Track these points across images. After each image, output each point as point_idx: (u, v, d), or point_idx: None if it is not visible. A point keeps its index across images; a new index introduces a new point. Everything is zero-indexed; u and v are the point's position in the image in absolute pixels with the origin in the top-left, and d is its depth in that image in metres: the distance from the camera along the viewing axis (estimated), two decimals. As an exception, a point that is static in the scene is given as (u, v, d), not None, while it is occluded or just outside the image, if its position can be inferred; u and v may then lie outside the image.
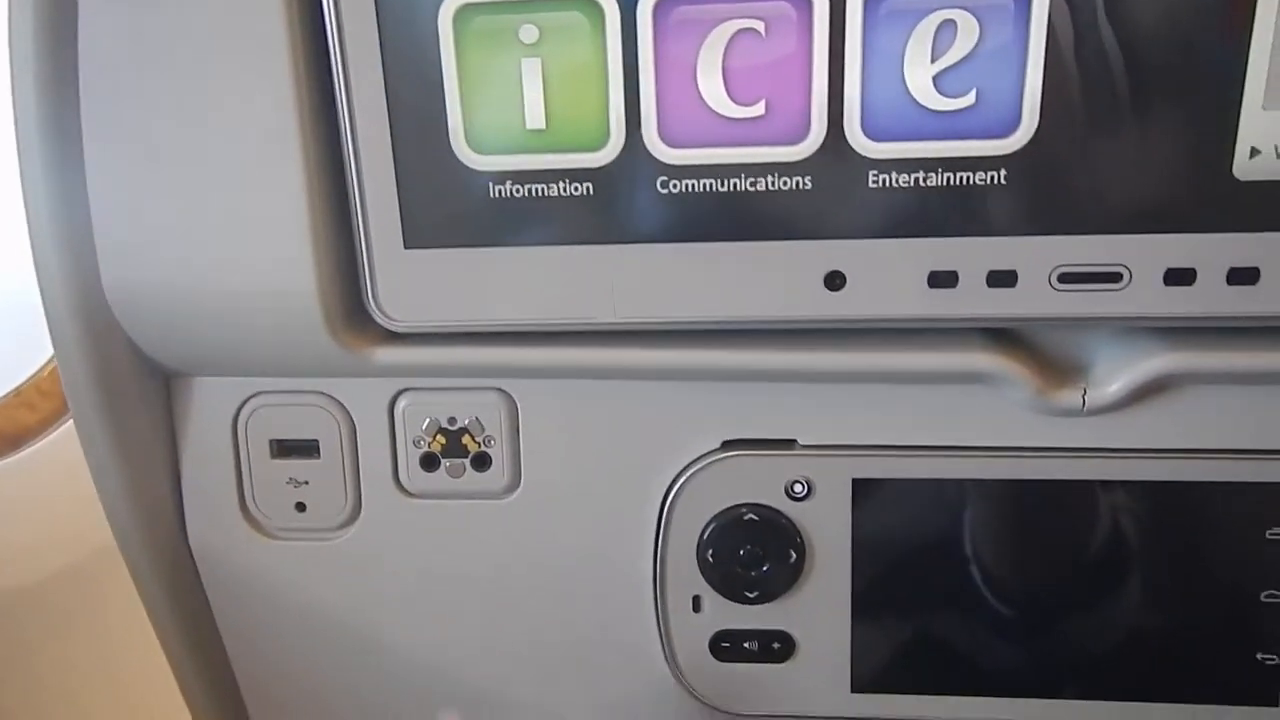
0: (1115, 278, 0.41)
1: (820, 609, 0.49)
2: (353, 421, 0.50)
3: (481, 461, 0.50)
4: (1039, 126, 0.40)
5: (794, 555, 0.48)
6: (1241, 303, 0.41)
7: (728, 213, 0.43)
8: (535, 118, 0.42)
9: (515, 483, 0.50)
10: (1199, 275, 0.41)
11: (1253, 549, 0.46)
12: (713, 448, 0.48)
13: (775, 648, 0.49)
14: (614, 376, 0.47)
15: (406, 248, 0.45)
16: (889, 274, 0.42)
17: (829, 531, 0.48)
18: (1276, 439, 0.45)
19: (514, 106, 0.42)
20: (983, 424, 0.46)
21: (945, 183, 0.41)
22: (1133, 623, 0.47)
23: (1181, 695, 0.48)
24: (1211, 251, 0.41)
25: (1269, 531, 0.46)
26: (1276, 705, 0.47)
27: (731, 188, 0.42)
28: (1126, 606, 0.47)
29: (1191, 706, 0.48)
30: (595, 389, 0.48)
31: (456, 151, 0.43)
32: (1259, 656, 0.47)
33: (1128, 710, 0.48)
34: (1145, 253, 0.41)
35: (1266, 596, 0.46)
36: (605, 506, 0.50)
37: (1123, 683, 0.48)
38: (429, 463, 0.50)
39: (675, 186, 0.43)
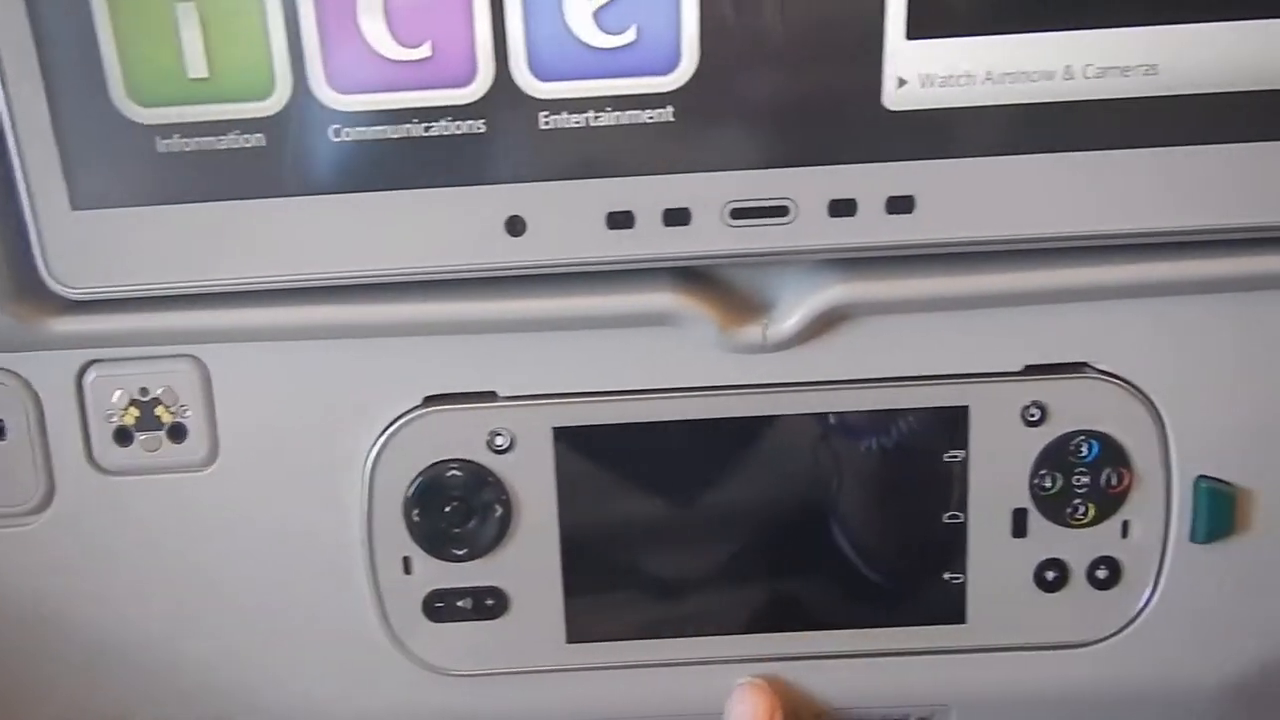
0: (783, 211, 0.40)
1: (530, 562, 0.46)
2: (39, 398, 0.45)
3: (178, 433, 0.45)
4: (700, 62, 0.38)
5: (500, 509, 0.45)
6: (901, 231, 0.41)
7: (404, 160, 0.40)
8: (197, 66, 0.39)
9: (214, 453, 0.46)
10: (860, 205, 0.40)
11: (933, 473, 0.46)
12: (415, 404, 0.45)
13: (489, 604, 0.47)
14: (305, 336, 0.44)
15: (74, 209, 0.41)
16: (568, 217, 0.41)
17: (533, 483, 0.45)
18: (946, 364, 0.45)
19: (173, 55, 0.38)
20: (675, 365, 0.44)
21: (615, 121, 0.39)
22: (827, 551, 0.47)
23: (878, 619, 0.48)
24: (869, 182, 0.40)
25: (946, 455, 0.45)
26: (965, 621, 0.47)
27: (406, 134, 0.40)
28: (821, 536, 0.47)
29: (888, 630, 0.47)
30: (289, 351, 0.44)
31: (118, 104, 0.39)
32: (946, 576, 0.47)
33: (830, 637, 0.48)
34: (808, 185, 0.40)
35: (949, 518, 0.46)
36: (308, 472, 0.46)
37: (823, 612, 0.48)
38: (122, 437, 0.46)
39: (349, 134, 0.40)
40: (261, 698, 0.49)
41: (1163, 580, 0.47)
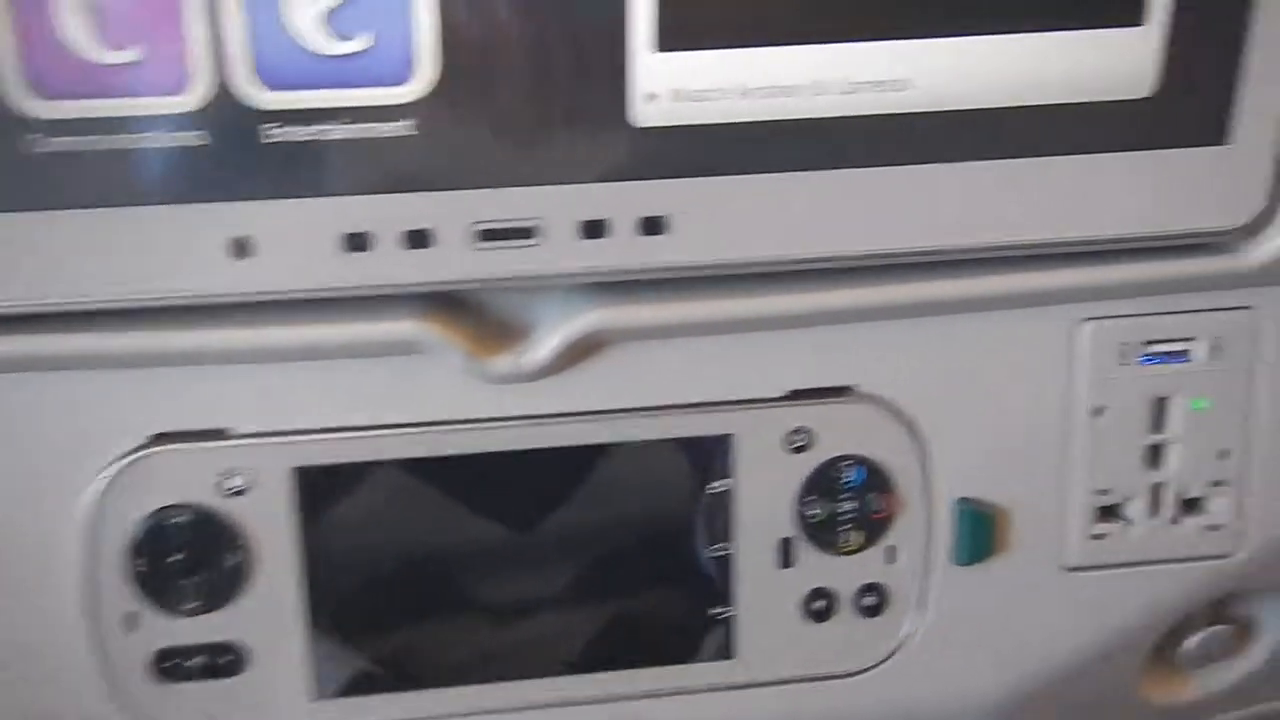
0: (531, 233, 0.38)
1: (270, 614, 0.42)
2: None
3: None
4: (441, 73, 0.35)
5: (235, 558, 0.41)
6: (656, 253, 0.39)
7: (114, 174, 0.36)
8: None
9: None
10: (611, 226, 0.38)
11: (699, 505, 0.44)
12: (139, 443, 0.40)
13: (224, 662, 0.42)
14: (10, 369, 0.38)
15: None
16: (298, 238, 0.37)
17: (272, 528, 0.41)
18: (710, 391, 0.43)
19: None
20: (425, 398, 0.41)
21: (348, 135, 0.36)
22: (593, 590, 0.44)
23: (646, 659, 0.45)
24: (620, 201, 0.38)
25: (712, 485, 0.44)
26: (733, 657, 0.45)
27: (115, 145, 0.36)
28: (586, 574, 0.44)
29: (654, 669, 0.45)
30: (7, 384, 0.39)
31: None
32: (713, 611, 0.45)
33: (599, 681, 0.45)
34: (558, 205, 0.38)
35: (715, 551, 0.44)
36: (26, 518, 0.41)
37: (590, 653, 0.45)
38: None
39: (51, 145, 0.35)
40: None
41: (929, 604, 0.46)
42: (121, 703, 0.42)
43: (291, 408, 0.41)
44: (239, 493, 0.41)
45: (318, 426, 0.41)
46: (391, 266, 0.38)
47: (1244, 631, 0.53)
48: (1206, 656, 0.52)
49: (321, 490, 0.41)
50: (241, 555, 0.41)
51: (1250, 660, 0.53)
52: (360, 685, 0.43)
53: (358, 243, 0.37)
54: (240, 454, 0.41)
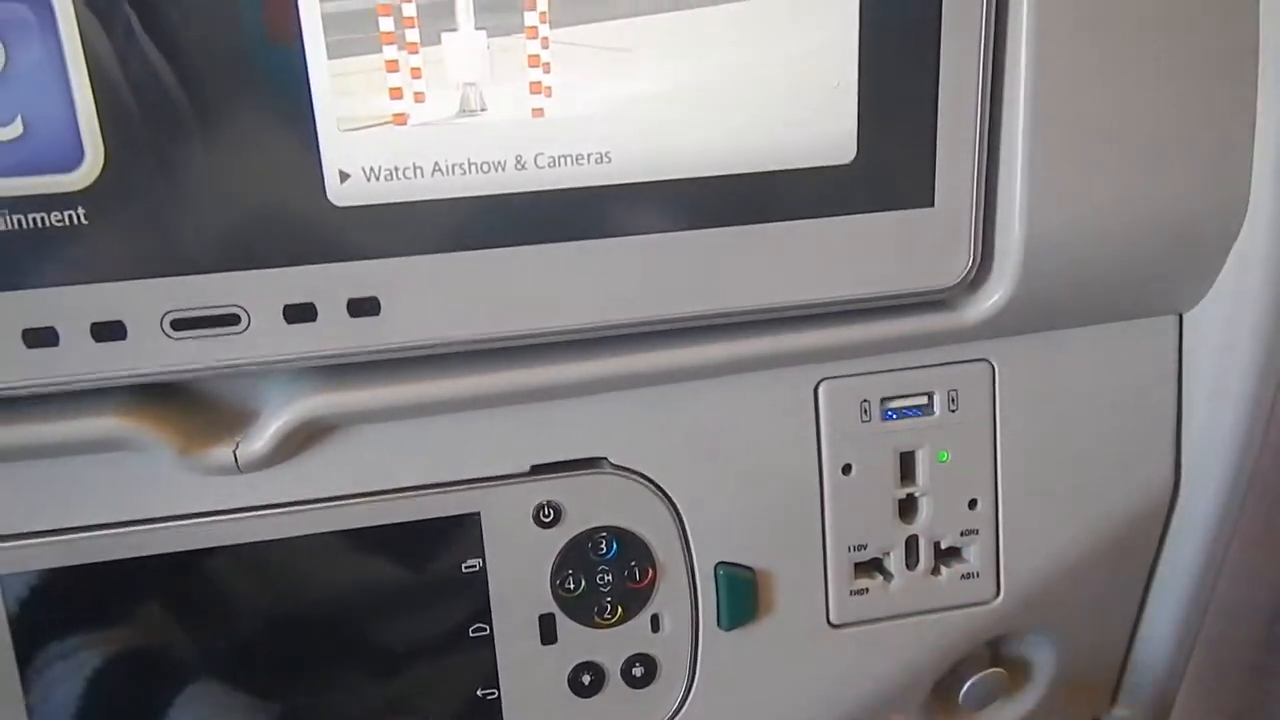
0: (234, 320, 0.32)
1: None
2: None
3: None
4: (107, 157, 0.30)
5: None
6: (368, 335, 0.34)
7: None
8: None
9: None
10: (320, 309, 0.33)
11: (453, 585, 0.38)
12: None
13: None
14: None
15: None
16: None
17: None
18: (451, 471, 0.38)
19: None
20: (143, 494, 0.36)
21: (18, 225, 0.30)
22: (351, 680, 0.38)
23: None
24: (327, 283, 0.34)
25: (464, 565, 0.38)
26: (505, 737, 0.39)
27: None
28: (342, 664, 0.38)
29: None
30: None
31: None
32: (479, 692, 0.39)
33: None
34: (261, 289, 0.33)
35: (474, 630, 0.38)
36: None
37: None
38: None
39: None
40: None
41: (698, 671, 0.41)
42: None
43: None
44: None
45: (22, 530, 0.34)
46: (82, 362, 0.32)
47: (1019, 671, 0.49)
48: (984, 698, 0.48)
49: (33, 599, 0.35)
50: None
51: (1027, 699, 0.49)
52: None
53: (42, 338, 0.32)
54: None
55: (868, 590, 0.44)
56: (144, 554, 0.36)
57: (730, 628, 0.42)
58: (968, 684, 0.47)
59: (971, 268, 0.38)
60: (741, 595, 0.42)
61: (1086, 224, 0.38)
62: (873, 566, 0.44)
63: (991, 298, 0.39)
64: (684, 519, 0.41)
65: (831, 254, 0.37)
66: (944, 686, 0.48)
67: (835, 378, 0.41)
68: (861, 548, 0.43)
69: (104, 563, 0.36)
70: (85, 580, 0.36)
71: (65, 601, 0.36)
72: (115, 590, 0.36)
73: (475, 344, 0.36)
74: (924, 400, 0.42)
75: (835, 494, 0.42)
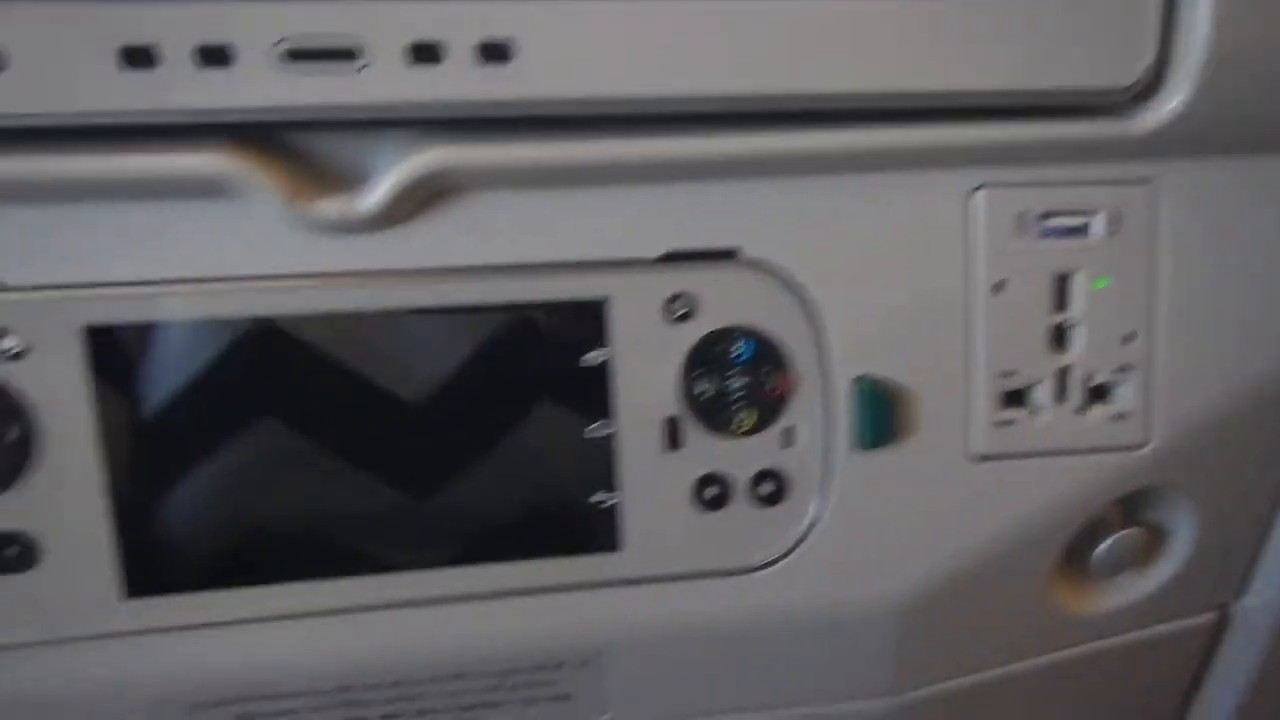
0: (352, 54, 0.26)
1: (65, 499, 0.31)
2: None
3: None
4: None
5: (17, 432, 0.28)
6: (497, 84, 0.27)
7: None
8: None
9: None
10: (447, 51, 0.27)
11: (573, 378, 0.31)
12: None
13: (10, 555, 0.29)
14: None
15: None
16: (65, 51, 0.27)
17: (62, 396, 0.30)
18: (578, 251, 0.31)
19: None
20: (243, 248, 0.31)
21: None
22: (452, 474, 0.32)
23: (518, 551, 0.33)
24: (458, 21, 0.27)
25: (586, 357, 0.31)
26: (618, 549, 0.32)
27: None
28: (444, 456, 0.32)
29: (531, 563, 0.32)
30: None
31: None
32: (594, 498, 0.32)
33: (462, 576, 0.33)
34: (383, 22, 0.27)
35: (593, 430, 0.31)
36: None
37: (451, 546, 0.32)
38: None
39: None
40: None
41: (831, 493, 0.35)
42: None
43: (79, 254, 0.28)
44: (17, 355, 0.28)
45: (112, 279, 0.28)
46: (184, 89, 0.27)
47: (1155, 540, 0.41)
48: (1117, 563, 0.41)
49: (121, 352, 0.29)
50: (24, 429, 0.29)
51: (1160, 572, 0.42)
52: (178, 581, 0.30)
53: (141, 58, 0.26)
54: (18, 310, 0.29)
55: (1013, 423, 0.37)
56: (237, 314, 0.31)
57: (867, 448, 0.35)
58: (1106, 543, 0.39)
59: (1150, 68, 0.32)
60: (882, 413, 0.36)
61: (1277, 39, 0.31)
62: (1019, 398, 0.37)
63: (1167, 105, 0.33)
64: (824, 324, 0.34)
65: (1003, 37, 0.31)
66: (1074, 553, 0.41)
67: (992, 185, 0.35)
68: (1009, 375, 0.36)
69: (194, 320, 0.30)
70: (173, 336, 0.31)
71: (154, 359, 0.30)
72: (203, 350, 0.31)
73: (614, 105, 0.30)
74: (1084, 220, 0.35)
75: (985, 314, 0.36)
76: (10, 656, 0.32)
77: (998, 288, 0.36)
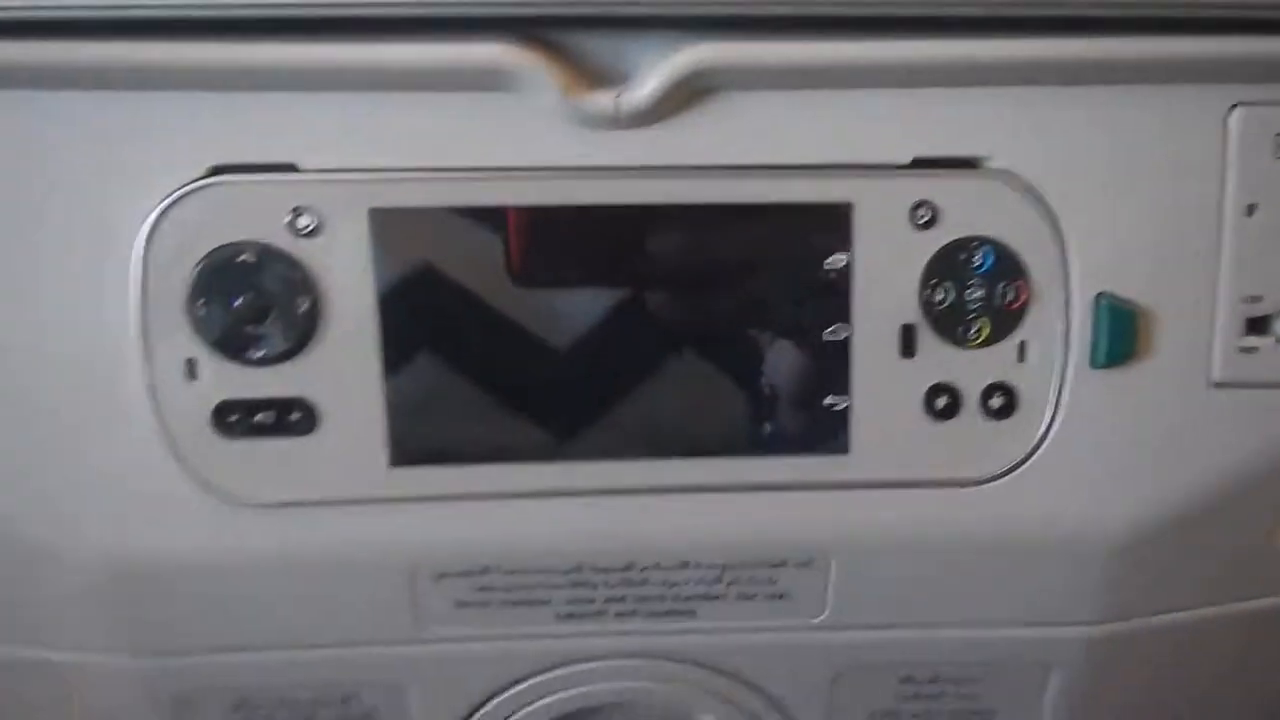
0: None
1: (344, 368, 0.33)
2: None
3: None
4: None
5: (306, 303, 0.31)
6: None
7: None
8: None
9: None
10: None
11: (815, 281, 0.32)
12: (199, 175, 0.29)
13: (293, 419, 0.32)
14: (58, 84, 0.28)
15: None
16: None
17: (346, 273, 0.32)
18: (827, 154, 0.32)
19: None
20: (516, 140, 0.33)
21: None
22: (690, 366, 0.34)
23: (749, 448, 0.33)
24: None
25: (826, 261, 0.31)
26: (848, 453, 0.33)
27: None
28: (683, 349, 0.33)
29: (762, 460, 0.33)
30: (36, 102, 0.30)
31: None
32: (827, 401, 0.32)
33: (695, 467, 0.35)
34: None
35: (830, 333, 0.32)
36: (76, 255, 0.32)
37: (686, 438, 0.34)
38: None
39: None
40: (39, 542, 0.32)
41: (1061, 409, 0.35)
42: (183, 458, 0.32)
43: (369, 144, 0.31)
44: (310, 233, 0.30)
45: (398, 165, 0.30)
46: None
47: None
48: None
49: (400, 234, 0.30)
50: (312, 301, 0.31)
51: None
52: (441, 453, 0.32)
53: None
54: (311, 190, 0.32)
55: (1256, 350, 0.35)
56: (512, 203, 0.31)
57: (1103, 366, 0.35)
58: None
59: None
60: (1121, 331, 0.35)
61: None
62: (1263, 325, 0.36)
63: None
64: (1066, 238, 0.34)
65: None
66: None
67: (1250, 104, 0.33)
68: (1255, 300, 0.35)
69: (472, 207, 0.32)
70: (452, 223, 0.32)
71: (430, 242, 0.32)
72: (478, 239, 0.32)
73: (871, 6, 0.29)
74: (1345, 143, 0.33)
75: (1234, 236, 0.34)
76: (287, 515, 0.33)
77: (1250, 210, 0.34)
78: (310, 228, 0.32)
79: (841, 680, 0.40)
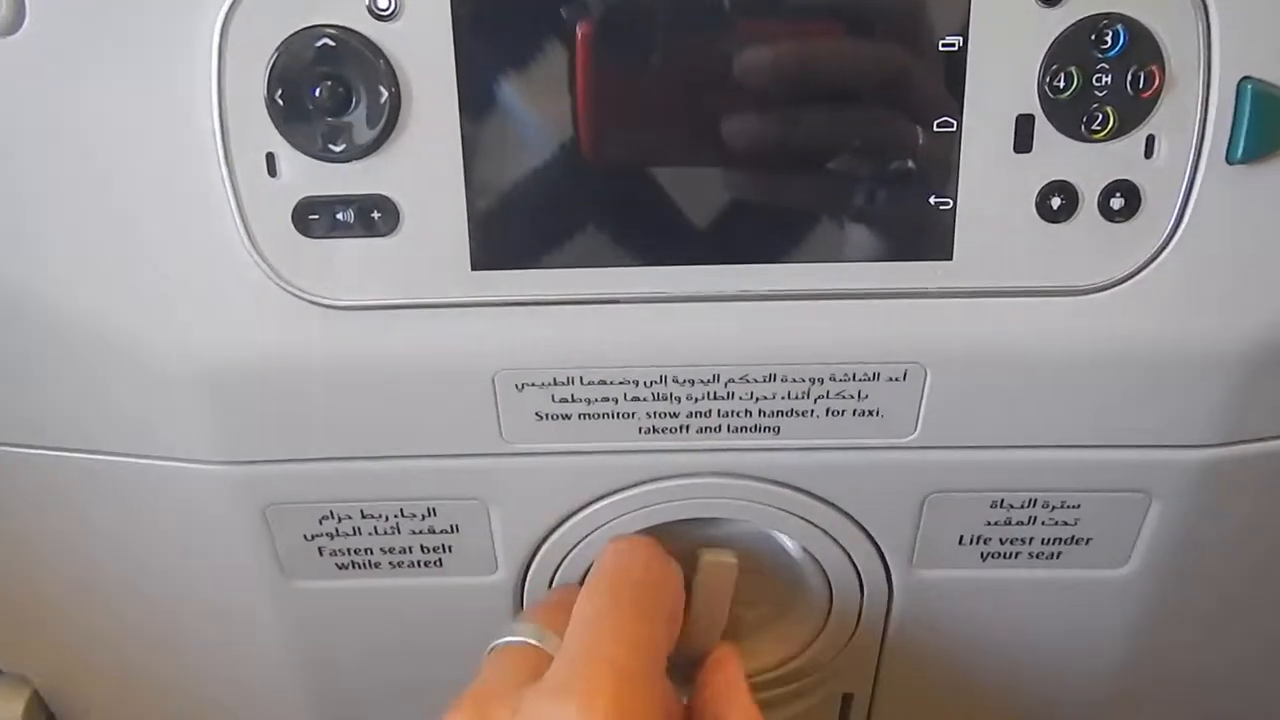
0: None
1: (426, 165, 0.32)
2: None
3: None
4: None
5: (385, 93, 0.30)
6: None
7: None
8: None
9: (19, 12, 0.29)
10: None
11: (923, 66, 0.30)
12: (271, -46, 0.29)
13: (375, 217, 0.32)
14: None
15: None
16: None
17: (427, 60, 0.31)
18: None
19: None
20: None
21: None
22: (784, 164, 0.32)
23: (846, 252, 0.33)
24: None
25: (942, 42, 0.29)
26: (951, 258, 0.32)
27: None
28: (778, 143, 0.32)
29: (858, 265, 0.32)
30: None
31: None
32: (931, 199, 0.31)
33: (787, 272, 0.34)
34: None
35: (939, 125, 0.30)
36: (143, 40, 0.31)
37: (780, 242, 0.33)
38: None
39: None
40: (129, 338, 0.33)
41: (1190, 211, 0.33)
42: (265, 257, 0.32)
43: None
44: (389, 15, 0.29)
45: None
46: None
47: None
48: None
49: (484, 16, 0.29)
50: (394, 91, 0.30)
51: None
52: (526, 256, 0.32)
53: None
54: None
55: None
56: None
57: (1242, 160, 0.32)
58: None
59: None
60: (1266, 120, 0.31)
61: None
62: None
63: None
64: (1211, 17, 0.31)
65: None
66: None
67: None
68: None
69: None
70: (536, 8, 0.30)
71: (515, 26, 0.29)
72: (565, 21, 0.30)
73: None
74: None
75: None
76: (368, 317, 0.33)
77: None
78: (390, 9, 0.30)
79: (930, 503, 0.39)
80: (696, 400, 0.36)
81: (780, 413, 0.37)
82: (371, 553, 0.40)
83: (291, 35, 0.30)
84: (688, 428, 0.37)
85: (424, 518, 0.40)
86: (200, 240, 0.33)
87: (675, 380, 0.36)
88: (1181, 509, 0.39)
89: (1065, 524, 0.40)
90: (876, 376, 0.36)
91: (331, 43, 0.30)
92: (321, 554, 0.40)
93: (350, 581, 0.41)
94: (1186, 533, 0.40)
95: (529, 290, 0.33)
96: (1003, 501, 0.39)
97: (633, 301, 0.33)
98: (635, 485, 0.39)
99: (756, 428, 0.37)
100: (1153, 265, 0.33)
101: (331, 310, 0.33)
